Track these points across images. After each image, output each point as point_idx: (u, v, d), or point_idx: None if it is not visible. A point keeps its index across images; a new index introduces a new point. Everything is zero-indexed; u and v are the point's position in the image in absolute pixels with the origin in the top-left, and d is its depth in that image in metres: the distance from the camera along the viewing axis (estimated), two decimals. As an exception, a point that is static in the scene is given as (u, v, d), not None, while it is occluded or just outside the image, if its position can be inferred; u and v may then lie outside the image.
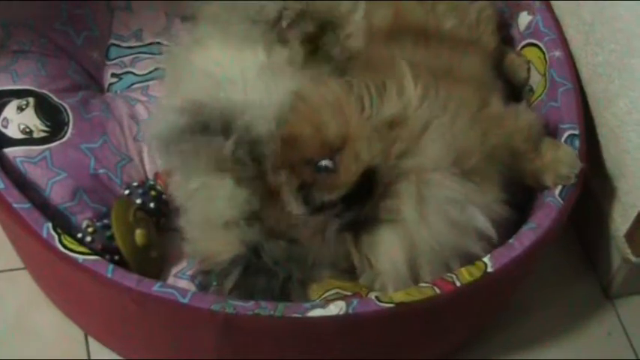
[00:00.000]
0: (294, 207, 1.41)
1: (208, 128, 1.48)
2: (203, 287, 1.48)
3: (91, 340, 1.55)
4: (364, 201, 1.40)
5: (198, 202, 1.50)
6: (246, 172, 1.46)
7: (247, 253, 1.47)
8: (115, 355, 1.54)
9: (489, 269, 1.43)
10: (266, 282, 1.44)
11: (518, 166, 1.49)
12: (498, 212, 1.43)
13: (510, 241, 1.46)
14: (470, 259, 1.43)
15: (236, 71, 1.56)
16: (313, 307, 1.36)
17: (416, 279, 1.42)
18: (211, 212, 1.49)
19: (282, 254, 1.46)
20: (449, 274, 1.42)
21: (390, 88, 1.43)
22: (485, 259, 1.44)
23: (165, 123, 1.53)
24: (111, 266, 1.37)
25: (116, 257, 1.48)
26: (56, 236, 1.41)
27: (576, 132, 1.58)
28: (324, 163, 1.40)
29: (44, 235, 1.41)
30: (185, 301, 1.34)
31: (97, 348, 1.55)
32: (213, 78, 1.56)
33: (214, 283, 1.46)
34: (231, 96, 1.53)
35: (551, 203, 1.50)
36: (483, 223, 1.42)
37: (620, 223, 1.63)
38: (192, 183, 1.52)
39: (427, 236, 1.40)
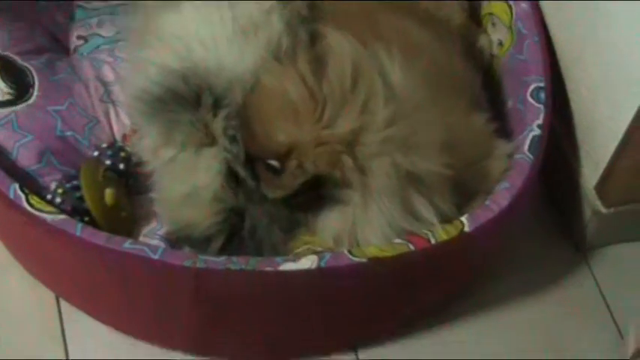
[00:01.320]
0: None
1: (199, 99, 1.47)
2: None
3: (62, 302, 1.54)
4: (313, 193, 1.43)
5: (175, 172, 1.49)
6: (235, 148, 1.46)
7: (230, 219, 1.46)
8: (87, 317, 1.53)
9: (466, 229, 1.43)
10: (251, 248, 1.45)
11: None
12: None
13: (487, 202, 1.46)
14: None
15: (207, 33, 1.53)
16: (285, 261, 1.36)
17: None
18: (190, 182, 1.48)
19: (264, 218, 1.46)
20: (425, 231, 1.43)
21: (356, 98, 1.42)
22: (463, 219, 1.44)
23: (144, 87, 1.50)
24: (80, 225, 1.36)
25: (86, 219, 1.47)
26: (23, 196, 1.39)
27: (542, 84, 1.59)
28: (272, 162, 1.42)
29: (11, 195, 1.39)
30: (156, 257, 1.33)
31: (68, 310, 1.53)
32: (184, 41, 1.54)
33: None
34: (206, 61, 1.50)
35: (522, 161, 1.50)
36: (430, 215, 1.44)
37: (589, 176, 1.64)
38: (169, 151, 1.50)
39: (371, 215, 1.43)
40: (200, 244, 1.47)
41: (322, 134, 1.40)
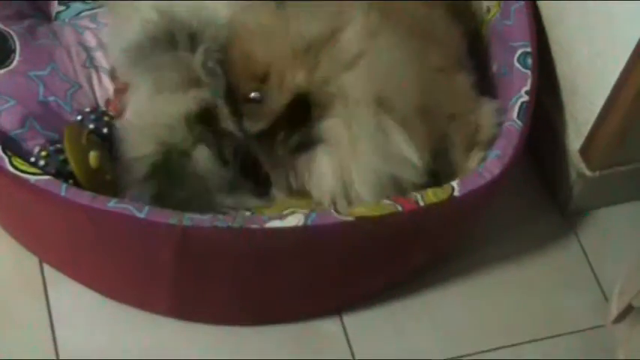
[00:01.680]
0: (235, 132, 1.44)
1: (175, 39, 1.47)
2: None
3: (46, 267, 1.53)
4: (304, 124, 1.42)
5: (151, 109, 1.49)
6: (218, 83, 1.45)
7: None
8: (70, 282, 1.52)
9: (456, 193, 1.43)
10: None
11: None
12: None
13: (479, 170, 1.47)
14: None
15: None
16: (271, 219, 1.36)
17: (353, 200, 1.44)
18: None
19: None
20: (414, 193, 1.42)
21: (322, 14, 1.43)
22: (454, 184, 1.44)
23: (131, 35, 1.50)
24: (64, 185, 1.36)
25: (70, 181, 1.46)
26: (6, 158, 1.38)
27: (528, 49, 1.59)
28: (252, 95, 1.42)
29: (-6, 157, 1.38)
30: (142, 215, 1.32)
31: (52, 275, 1.53)
32: None
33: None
34: (184, 4, 1.50)
35: (511, 127, 1.51)
36: (410, 152, 1.44)
37: (574, 139, 1.64)
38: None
39: (357, 157, 1.43)
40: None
41: (297, 45, 1.40)
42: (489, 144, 1.52)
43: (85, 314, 1.52)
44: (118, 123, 1.53)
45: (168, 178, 1.44)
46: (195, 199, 1.43)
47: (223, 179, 1.46)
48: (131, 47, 1.48)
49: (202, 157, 1.45)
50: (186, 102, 1.45)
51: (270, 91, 1.41)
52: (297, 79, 1.40)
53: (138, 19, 1.50)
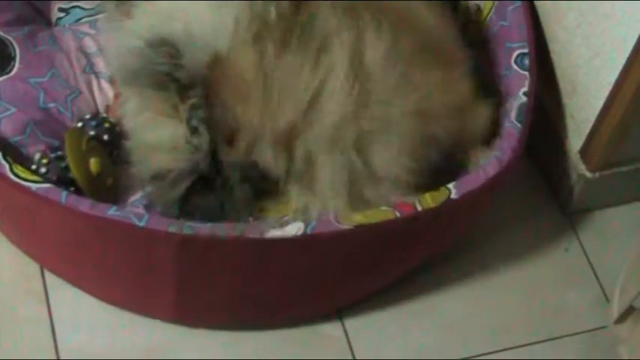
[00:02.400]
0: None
1: (158, 77, 1.46)
2: (151, 203, 1.48)
3: (47, 273, 1.54)
4: None
5: (149, 123, 1.49)
6: (196, 140, 1.45)
7: (202, 161, 1.46)
8: (72, 288, 1.53)
9: (453, 196, 1.43)
10: (216, 201, 1.45)
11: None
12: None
13: (477, 171, 1.47)
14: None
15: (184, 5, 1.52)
16: (272, 228, 1.36)
17: None
18: (158, 135, 1.48)
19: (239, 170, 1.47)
20: (412, 198, 1.43)
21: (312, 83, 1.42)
22: (450, 186, 1.44)
23: (124, 59, 1.50)
24: (64, 193, 1.36)
25: (71, 188, 1.46)
26: (7, 165, 1.38)
27: (525, 50, 1.59)
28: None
29: (-5, 165, 1.39)
30: (141, 223, 1.32)
31: (53, 282, 1.53)
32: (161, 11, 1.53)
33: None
34: (180, 33, 1.49)
35: (510, 129, 1.51)
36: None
37: (573, 139, 1.64)
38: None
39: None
40: (169, 187, 1.46)
41: (265, 123, 1.42)
42: (490, 144, 1.52)
43: (86, 318, 1.52)
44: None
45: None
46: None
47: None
48: (124, 68, 1.49)
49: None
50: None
51: (238, 141, 1.43)
52: (262, 148, 1.43)
53: (136, 36, 1.50)
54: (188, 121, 1.44)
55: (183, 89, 1.45)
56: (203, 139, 1.44)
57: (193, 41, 1.46)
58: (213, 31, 1.47)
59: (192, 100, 1.44)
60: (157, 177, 1.46)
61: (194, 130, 1.44)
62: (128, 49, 1.49)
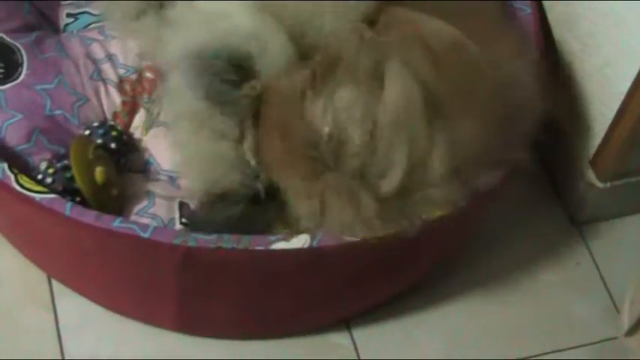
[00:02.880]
0: None
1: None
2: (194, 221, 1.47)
3: (54, 282, 1.54)
4: None
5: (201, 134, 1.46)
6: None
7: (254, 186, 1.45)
8: (78, 296, 1.53)
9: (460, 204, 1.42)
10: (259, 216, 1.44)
11: None
12: None
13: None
14: None
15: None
16: (277, 240, 1.35)
17: None
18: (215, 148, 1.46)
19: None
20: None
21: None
22: None
23: (200, 47, 1.45)
24: (69, 204, 1.35)
25: (77, 199, 1.46)
26: (12, 176, 1.38)
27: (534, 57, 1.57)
28: None
29: (0, 176, 1.38)
30: (146, 235, 1.32)
31: (60, 290, 1.53)
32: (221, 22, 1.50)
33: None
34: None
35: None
36: None
37: (584, 149, 1.63)
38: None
39: None
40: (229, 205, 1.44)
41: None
42: None
43: (92, 326, 1.52)
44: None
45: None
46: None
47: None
48: (199, 59, 1.44)
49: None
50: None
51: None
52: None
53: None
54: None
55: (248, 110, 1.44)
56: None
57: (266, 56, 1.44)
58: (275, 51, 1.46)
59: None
60: (221, 196, 1.44)
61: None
62: (191, 61, 1.45)
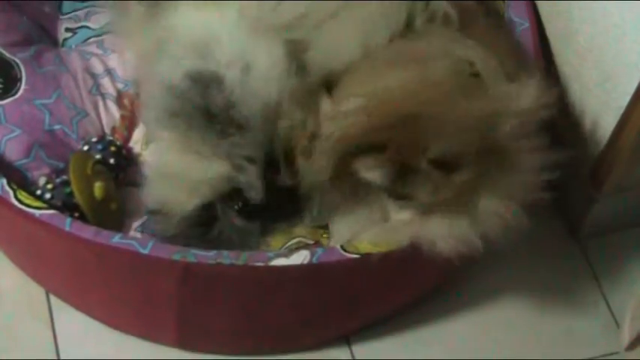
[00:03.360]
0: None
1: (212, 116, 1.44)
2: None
3: (52, 298, 1.54)
4: None
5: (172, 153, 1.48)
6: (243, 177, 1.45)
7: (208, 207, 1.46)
8: (76, 311, 1.52)
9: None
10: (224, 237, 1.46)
11: None
12: None
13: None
14: None
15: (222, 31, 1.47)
16: (276, 257, 1.34)
17: None
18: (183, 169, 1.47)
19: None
20: None
21: None
22: None
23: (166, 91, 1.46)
24: (68, 219, 1.35)
25: (76, 214, 1.45)
26: (11, 192, 1.37)
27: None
28: None
29: (-1, 192, 1.38)
30: (145, 251, 1.31)
31: (58, 305, 1.53)
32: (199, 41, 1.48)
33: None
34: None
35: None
36: None
37: (584, 163, 1.63)
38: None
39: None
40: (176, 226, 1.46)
41: None
42: None
43: (91, 342, 1.52)
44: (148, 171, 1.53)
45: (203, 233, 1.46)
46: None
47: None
48: (167, 103, 1.46)
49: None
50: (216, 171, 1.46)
51: None
52: None
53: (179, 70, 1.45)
54: (230, 158, 1.44)
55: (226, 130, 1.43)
56: (251, 174, 1.43)
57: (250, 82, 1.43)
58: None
59: (234, 138, 1.43)
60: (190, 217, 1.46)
61: (239, 168, 1.44)
62: (167, 86, 1.45)
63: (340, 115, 1.37)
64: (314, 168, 1.39)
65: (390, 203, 1.39)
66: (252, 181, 1.44)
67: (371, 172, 1.34)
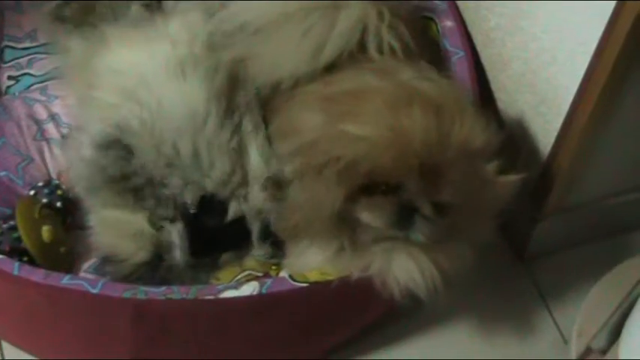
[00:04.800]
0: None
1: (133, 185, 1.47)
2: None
3: (5, 344, 1.53)
4: None
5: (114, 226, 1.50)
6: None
7: (155, 257, 1.48)
8: (30, 356, 1.51)
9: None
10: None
11: None
12: None
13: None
14: None
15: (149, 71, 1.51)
16: (226, 289, 1.36)
17: None
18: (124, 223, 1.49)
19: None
20: None
21: None
22: None
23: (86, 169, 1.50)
24: (17, 263, 1.35)
25: (25, 258, 1.46)
26: (-42, 239, 1.38)
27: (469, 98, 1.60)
28: None
29: (-54, 239, 1.38)
30: (95, 291, 1.32)
31: (12, 352, 1.52)
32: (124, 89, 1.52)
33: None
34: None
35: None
36: None
37: (525, 185, 1.64)
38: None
39: None
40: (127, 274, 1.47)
41: None
42: None
43: (47, 388, 1.51)
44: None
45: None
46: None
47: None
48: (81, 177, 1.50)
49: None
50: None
51: None
52: None
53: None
54: (151, 221, 1.47)
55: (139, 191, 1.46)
56: (172, 233, 1.46)
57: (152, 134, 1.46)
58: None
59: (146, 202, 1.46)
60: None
61: (159, 229, 1.46)
62: (80, 157, 1.50)
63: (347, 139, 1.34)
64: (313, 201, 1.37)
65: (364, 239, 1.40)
66: (173, 241, 1.47)
67: (371, 213, 1.35)
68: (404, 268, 1.39)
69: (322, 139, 1.35)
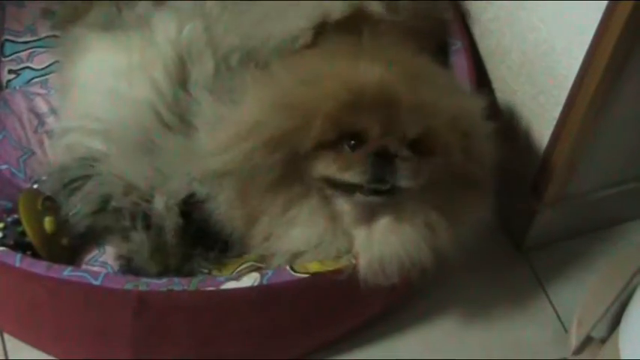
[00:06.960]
0: None
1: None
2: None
3: (7, 337, 1.54)
4: None
5: None
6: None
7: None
8: (31, 349, 1.52)
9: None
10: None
11: None
12: None
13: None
14: None
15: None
16: (227, 280, 1.36)
17: None
18: None
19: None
20: None
21: None
22: None
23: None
24: (19, 255, 1.36)
25: (29, 252, 1.46)
26: (-39, 233, 1.39)
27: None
28: None
29: (-51, 233, 1.39)
30: (97, 283, 1.33)
31: (13, 344, 1.53)
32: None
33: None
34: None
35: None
36: None
37: (524, 176, 1.66)
38: None
39: None
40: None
41: None
42: None
43: (48, 381, 1.52)
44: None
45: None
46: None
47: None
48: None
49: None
50: None
51: None
52: None
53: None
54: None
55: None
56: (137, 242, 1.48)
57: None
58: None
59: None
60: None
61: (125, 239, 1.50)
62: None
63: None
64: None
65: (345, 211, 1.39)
66: (137, 249, 1.47)
67: (348, 171, 1.32)
68: (386, 243, 1.39)
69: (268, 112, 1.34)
